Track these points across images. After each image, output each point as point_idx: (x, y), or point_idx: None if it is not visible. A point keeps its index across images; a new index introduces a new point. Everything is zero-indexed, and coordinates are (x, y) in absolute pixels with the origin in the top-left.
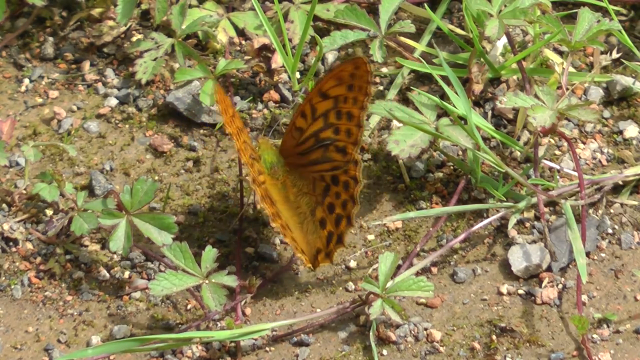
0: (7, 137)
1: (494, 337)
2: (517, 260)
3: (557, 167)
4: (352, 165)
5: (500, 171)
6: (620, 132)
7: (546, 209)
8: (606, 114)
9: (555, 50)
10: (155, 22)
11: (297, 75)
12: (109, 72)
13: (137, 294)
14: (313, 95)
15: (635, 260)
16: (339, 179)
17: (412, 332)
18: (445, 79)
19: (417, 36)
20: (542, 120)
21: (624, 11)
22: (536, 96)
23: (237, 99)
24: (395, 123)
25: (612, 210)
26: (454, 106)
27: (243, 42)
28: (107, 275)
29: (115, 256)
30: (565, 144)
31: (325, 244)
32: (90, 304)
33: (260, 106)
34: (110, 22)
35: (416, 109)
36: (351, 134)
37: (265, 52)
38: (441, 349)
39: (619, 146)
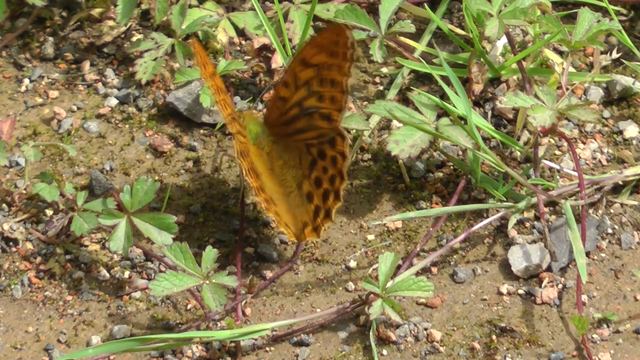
0: (7, 137)
1: (494, 337)
2: (517, 260)
3: (557, 167)
4: (339, 139)
5: (500, 171)
6: (620, 132)
7: (546, 209)
8: (606, 114)
9: (555, 50)
10: (155, 22)
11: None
12: (109, 72)
13: (137, 294)
14: (295, 64)
15: (635, 260)
16: (325, 153)
17: (412, 332)
18: (445, 79)
19: (417, 36)
20: (542, 120)
21: (624, 11)
22: (536, 96)
23: (237, 99)
24: (395, 123)
25: (612, 210)
26: (454, 106)
27: (243, 42)
28: (107, 275)
29: (115, 256)
30: (565, 144)
31: (312, 218)
32: (90, 304)
33: (260, 106)
34: (110, 22)
35: (416, 109)
36: (335, 101)
37: (265, 52)
38: (441, 349)
39: (619, 146)
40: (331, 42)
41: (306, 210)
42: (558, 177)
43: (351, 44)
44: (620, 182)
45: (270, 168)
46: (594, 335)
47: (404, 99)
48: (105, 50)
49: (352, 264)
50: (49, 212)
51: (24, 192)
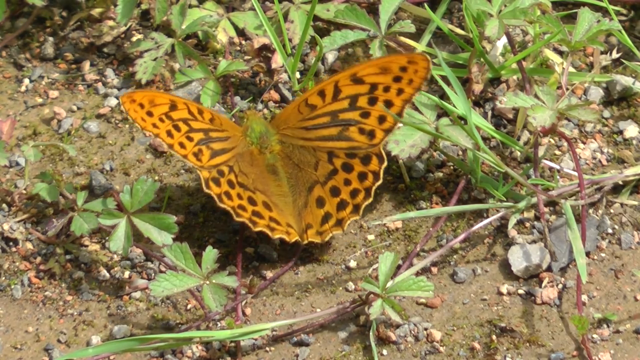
0: (7, 137)
1: (494, 337)
2: (517, 260)
3: (557, 167)
4: (375, 158)
5: (500, 171)
6: (620, 132)
7: (546, 209)
8: (606, 114)
9: (555, 50)
10: (155, 22)
11: (297, 75)
12: (109, 72)
13: (137, 294)
14: (341, 77)
15: (635, 260)
16: (353, 167)
17: (412, 332)
18: (445, 79)
19: (417, 36)
20: (542, 120)
21: (624, 11)
22: (536, 96)
23: (237, 99)
24: None
25: (612, 210)
26: (454, 106)
27: (243, 42)
28: (107, 275)
29: (115, 256)
30: (565, 144)
31: (320, 223)
32: (90, 304)
33: (260, 106)
34: (110, 22)
35: (416, 109)
36: (385, 121)
37: (265, 52)
38: (441, 349)
39: (619, 146)
40: (400, 68)
41: (313, 214)
42: (558, 177)
43: (427, 74)
44: (620, 182)
45: (273, 168)
46: (594, 335)
47: None
48: (105, 50)
49: (352, 264)
50: (49, 212)
51: (24, 192)
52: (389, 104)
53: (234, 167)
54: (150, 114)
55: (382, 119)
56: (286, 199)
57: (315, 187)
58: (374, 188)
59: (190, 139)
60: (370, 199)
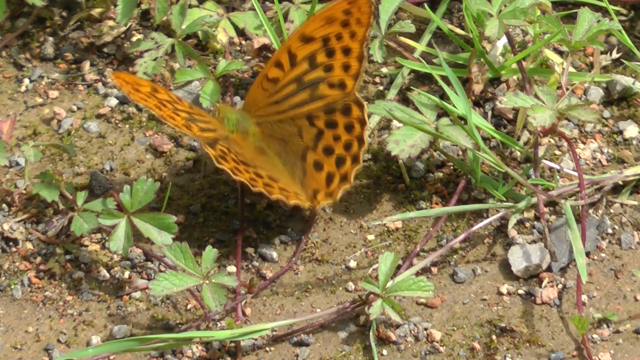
0: (7, 137)
1: (494, 337)
2: (517, 260)
3: (557, 167)
4: (355, 107)
5: (500, 171)
6: (620, 132)
7: (546, 209)
8: (606, 114)
9: (555, 50)
10: (155, 22)
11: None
12: (109, 72)
13: (137, 294)
14: (292, 42)
15: (635, 260)
16: (337, 122)
17: (412, 332)
18: (445, 79)
19: (417, 36)
20: (542, 120)
21: (624, 11)
22: (536, 96)
23: (237, 99)
24: (395, 123)
25: (612, 210)
26: (454, 106)
27: (243, 42)
28: (107, 275)
29: (115, 256)
30: (565, 144)
31: (326, 185)
32: (90, 304)
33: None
34: (110, 22)
35: (416, 109)
36: (350, 68)
37: (265, 52)
38: (441, 349)
39: (619, 146)
40: (343, 12)
41: (315, 179)
42: (558, 177)
43: (371, 7)
44: (620, 182)
45: (261, 149)
46: (594, 335)
47: (404, 99)
48: (105, 50)
49: (352, 264)
50: (49, 212)
51: (24, 192)
52: (347, 50)
53: (229, 148)
54: (137, 90)
55: (346, 67)
56: (284, 173)
57: (307, 154)
58: (365, 134)
59: (177, 114)
60: (365, 145)
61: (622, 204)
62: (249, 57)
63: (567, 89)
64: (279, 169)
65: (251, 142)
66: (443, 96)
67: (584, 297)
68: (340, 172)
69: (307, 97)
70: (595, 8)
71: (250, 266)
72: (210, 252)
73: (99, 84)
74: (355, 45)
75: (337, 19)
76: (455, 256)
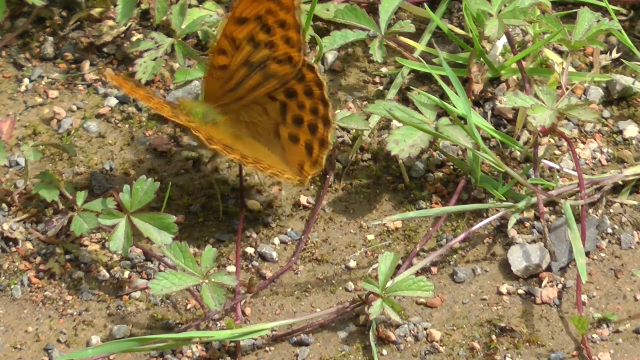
0: (7, 137)
1: (494, 337)
2: (517, 260)
3: (557, 167)
4: (307, 72)
5: (500, 171)
6: (620, 132)
7: (546, 209)
8: (606, 114)
9: (555, 50)
10: (155, 22)
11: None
12: (109, 72)
13: (137, 294)
14: (229, 27)
15: (635, 260)
16: (296, 91)
17: (412, 332)
18: (445, 79)
19: (417, 36)
20: (542, 120)
21: (624, 11)
22: (536, 96)
23: None
24: (395, 123)
25: (612, 210)
26: (454, 106)
27: None
28: (107, 275)
29: (115, 256)
30: (565, 144)
31: (307, 155)
32: (90, 304)
33: None
34: (110, 22)
35: (416, 109)
36: (291, 40)
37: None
38: (441, 349)
39: (619, 146)
40: None
41: (296, 152)
42: (558, 177)
43: None
44: (620, 182)
45: (236, 135)
46: (594, 335)
47: (404, 99)
48: (105, 50)
49: (352, 264)
50: (49, 212)
51: (24, 192)
52: (282, 24)
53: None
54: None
55: (287, 40)
56: (266, 154)
57: (279, 130)
58: (326, 95)
59: (164, 106)
60: (330, 106)
61: (622, 204)
62: None
63: (567, 89)
64: (260, 150)
65: (224, 130)
66: (443, 96)
67: (584, 297)
68: (318, 138)
69: (262, 78)
70: (595, 8)
71: (250, 266)
72: (210, 252)
73: (99, 84)
74: (289, 17)
75: None
76: (455, 256)
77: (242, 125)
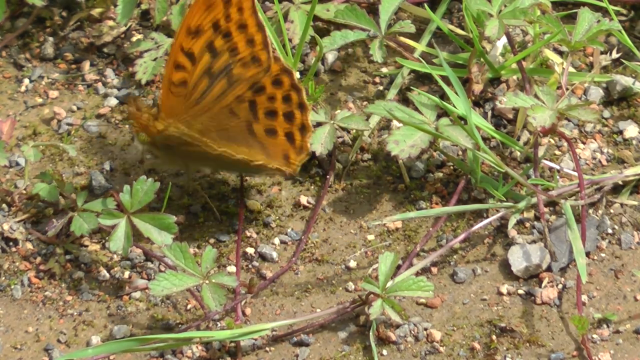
0: (7, 137)
1: (494, 337)
2: (517, 260)
3: (557, 167)
4: (273, 64)
5: (500, 171)
6: (620, 132)
7: (546, 209)
8: (606, 114)
9: (555, 50)
10: (155, 22)
11: (297, 75)
12: (109, 72)
13: (137, 294)
14: (181, 41)
15: (635, 260)
16: (264, 87)
17: (412, 332)
18: (445, 79)
19: (417, 36)
20: (542, 120)
21: (624, 11)
22: (536, 96)
23: None
24: (395, 123)
25: (612, 210)
26: (454, 106)
27: None
28: (107, 275)
29: (115, 256)
30: (565, 144)
31: (290, 144)
32: (90, 304)
33: None
34: (110, 22)
35: (416, 109)
36: (254, 41)
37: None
38: (441, 349)
39: (619, 146)
40: None
41: (278, 144)
42: (558, 177)
43: None
44: (620, 182)
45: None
46: (594, 335)
47: (404, 99)
48: (105, 50)
49: (352, 264)
50: (49, 212)
51: (24, 192)
52: (242, 26)
53: None
54: None
55: (251, 42)
56: (249, 153)
57: (253, 127)
58: (296, 81)
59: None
60: (303, 90)
61: (622, 204)
62: None
63: (567, 89)
64: (238, 151)
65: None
66: (443, 96)
67: (584, 297)
68: (296, 125)
69: (227, 83)
70: (595, 8)
71: (250, 266)
72: (210, 252)
73: (99, 84)
74: (248, 17)
75: (216, 3)
76: (455, 256)
77: (213, 135)
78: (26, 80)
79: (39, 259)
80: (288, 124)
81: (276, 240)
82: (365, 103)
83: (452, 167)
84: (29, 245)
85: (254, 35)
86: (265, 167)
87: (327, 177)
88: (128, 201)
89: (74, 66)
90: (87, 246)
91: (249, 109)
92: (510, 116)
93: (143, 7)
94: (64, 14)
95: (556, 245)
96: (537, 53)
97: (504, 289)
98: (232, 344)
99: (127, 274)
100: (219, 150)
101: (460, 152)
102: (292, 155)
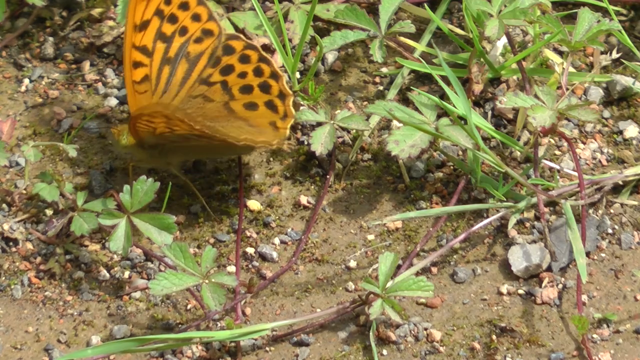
0: (7, 137)
1: (494, 337)
2: (517, 260)
3: (557, 167)
4: (233, 42)
5: (500, 171)
6: (620, 132)
7: (546, 209)
8: (606, 114)
9: (555, 50)
10: None
11: (297, 75)
12: (109, 72)
13: (137, 294)
14: (130, 37)
15: (635, 260)
16: (232, 66)
17: (412, 332)
18: (445, 79)
19: (417, 36)
20: (542, 120)
21: (624, 11)
22: (536, 96)
23: None
24: (395, 123)
25: (612, 210)
26: (454, 106)
27: None
28: (107, 275)
29: (115, 256)
30: (565, 144)
31: (273, 112)
32: (90, 304)
33: None
34: (110, 22)
35: (416, 109)
36: (200, 15)
37: (265, 51)
38: (441, 349)
39: (619, 146)
40: None
41: (261, 116)
42: (558, 177)
43: None
44: (620, 182)
45: (186, 138)
46: (594, 335)
47: (404, 99)
48: (105, 50)
49: (352, 264)
50: (49, 212)
51: (24, 192)
52: (184, 5)
53: None
54: None
55: (196, 17)
56: (233, 131)
57: (231, 105)
58: (263, 53)
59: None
60: (272, 60)
61: (622, 204)
62: None
63: (567, 89)
64: (228, 131)
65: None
66: (443, 96)
67: (584, 297)
68: (274, 94)
69: (187, 65)
70: (595, 8)
71: (250, 266)
72: (209, 252)
73: (99, 84)
74: (196, 5)
75: None
76: (455, 256)
77: (199, 120)
78: (26, 80)
79: (39, 259)
80: (268, 95)
81: (276, 240)
82: (365, 103)
83: (452, 167)
84: (29, 245)
85: (198, 10)
86: (253, 142)
87: (327, 177)
88: (128, 201)
89: (74, 66)
90: (87, 246)
91: (222, 90)
92: (510, 116)
93: None
94: (64, 14)
95: (556, 245)
96: (537, 53)
97: (504, 288)
98: (232, 344)
99: (127, 274)
100: (220, 136)
101: (460, 152)
102: (279, 123)
